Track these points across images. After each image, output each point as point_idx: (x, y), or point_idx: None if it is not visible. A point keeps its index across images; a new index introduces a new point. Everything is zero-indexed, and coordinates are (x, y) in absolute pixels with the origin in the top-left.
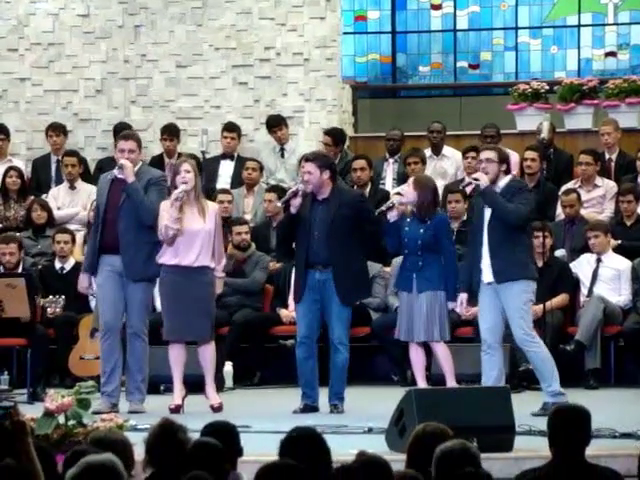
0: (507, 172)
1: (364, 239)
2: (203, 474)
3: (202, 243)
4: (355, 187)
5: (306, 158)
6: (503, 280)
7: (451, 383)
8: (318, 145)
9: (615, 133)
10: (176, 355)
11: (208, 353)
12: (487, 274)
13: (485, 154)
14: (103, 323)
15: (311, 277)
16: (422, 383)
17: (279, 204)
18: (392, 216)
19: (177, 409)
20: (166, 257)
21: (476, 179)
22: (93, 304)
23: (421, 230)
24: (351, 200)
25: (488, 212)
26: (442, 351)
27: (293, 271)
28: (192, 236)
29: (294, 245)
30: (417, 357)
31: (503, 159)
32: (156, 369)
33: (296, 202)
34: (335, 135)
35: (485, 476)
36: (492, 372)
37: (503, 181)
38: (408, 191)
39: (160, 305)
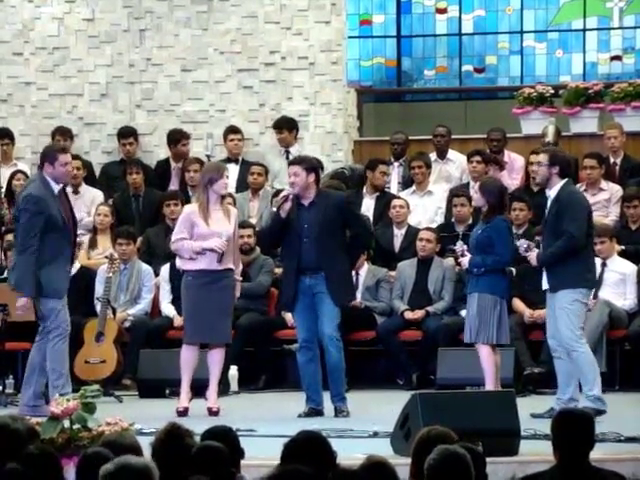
0: (562, 175)
1: (351, 240)
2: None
3: (228, 246)
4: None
5: (292, 161)
6: (557, 290)
7: (489, 388)
8: (323, 150)
9: (621, 137)
10: (189, 357)
11: (220, 356)
12: (544, 282)
13: (537, 157)
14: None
15: (302, 283)
16: (490, 386)
17: (274, 209)
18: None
19: (185, 412)
20: (192, 261)
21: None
22: (99, 308)
23: (479, 231)
24: (337, 203)
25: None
26: (485, 355)
27: None
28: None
29: (281, 251)
30: (484, 359)
31: (554, 162)
32: (162, 373)
33: (286, 206)
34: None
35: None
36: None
37: (557, 187)
38: (476, 197)
39: (183, 308)
